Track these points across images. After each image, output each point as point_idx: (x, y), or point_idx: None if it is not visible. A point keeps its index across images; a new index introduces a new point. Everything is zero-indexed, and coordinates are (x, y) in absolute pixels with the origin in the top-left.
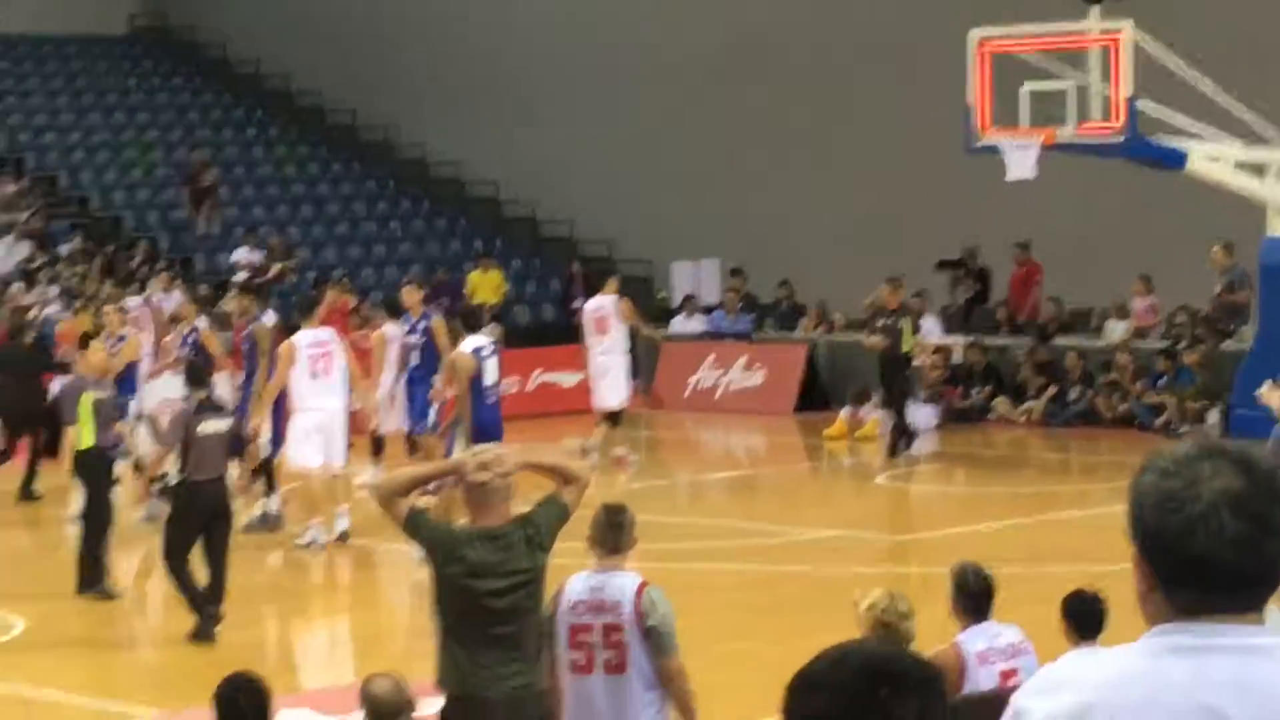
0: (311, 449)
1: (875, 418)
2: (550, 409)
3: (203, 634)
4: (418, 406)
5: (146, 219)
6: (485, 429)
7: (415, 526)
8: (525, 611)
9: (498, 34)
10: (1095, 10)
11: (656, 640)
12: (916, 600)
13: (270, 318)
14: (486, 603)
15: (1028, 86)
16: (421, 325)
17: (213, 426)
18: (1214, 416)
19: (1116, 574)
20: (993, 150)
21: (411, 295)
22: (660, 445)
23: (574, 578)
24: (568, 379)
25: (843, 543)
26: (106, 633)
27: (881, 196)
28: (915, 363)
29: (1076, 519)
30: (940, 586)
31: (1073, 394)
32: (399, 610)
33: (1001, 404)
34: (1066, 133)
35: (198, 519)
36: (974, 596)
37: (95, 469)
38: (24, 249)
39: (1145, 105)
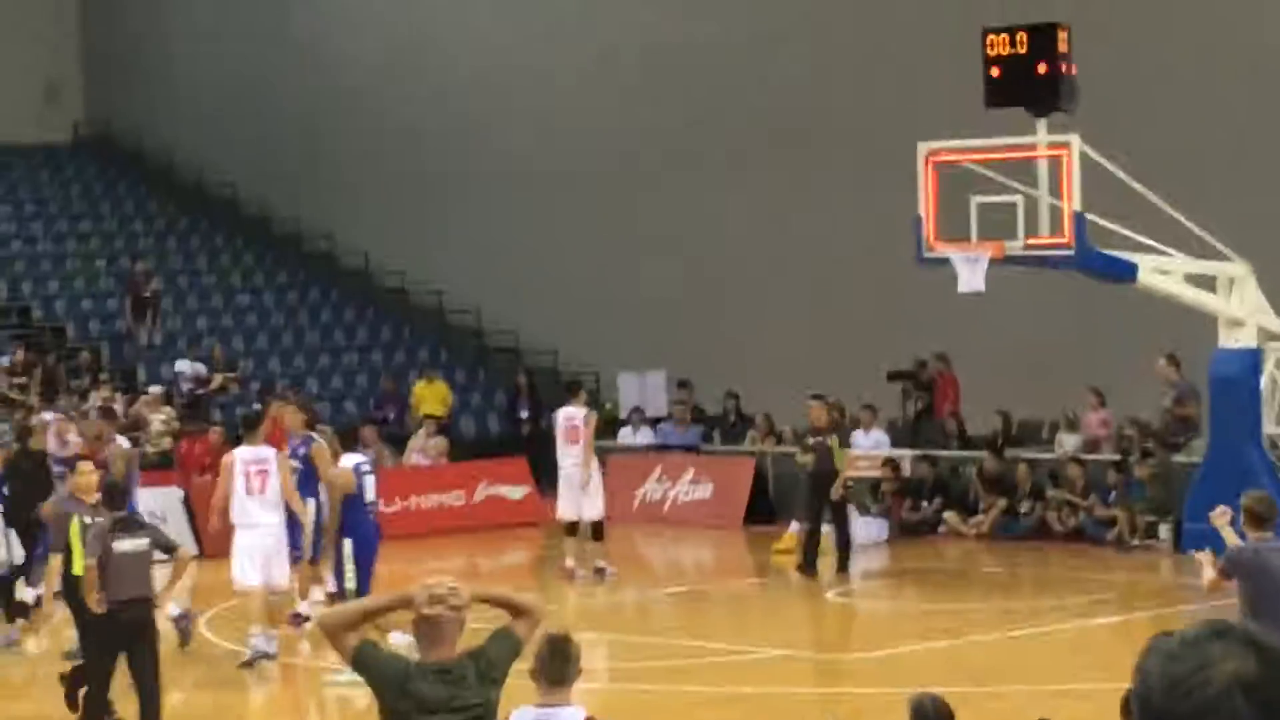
0: (252, 568)
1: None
2: (497, 521)
3: None
4: (296, 531)
5: (89, 329)
6: (367, 543)
7: (364, 662)
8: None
9: (441, 141)
10: (1043, 123)
11: None
12: None
13: (124, 443)
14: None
15: (976, 199)
16: (302, 450)
17: (130, 545)
18: (1165, 531)
19: (1067, 692)
20: (943, 262)
21: (294, 417)
22: (609, 559)
23: (518, 711)
24: (515, 491)
25: (793, 663)
26: None
27: (831, 306)
28: (846, 476)
29: (1030, 637)
30: (890, 709)
31: (1023, 507)
32: None
33: (952, 517)
34: (1015, 246)
35: (117, 644)
36: None
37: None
38: None
39: (1095, 218)
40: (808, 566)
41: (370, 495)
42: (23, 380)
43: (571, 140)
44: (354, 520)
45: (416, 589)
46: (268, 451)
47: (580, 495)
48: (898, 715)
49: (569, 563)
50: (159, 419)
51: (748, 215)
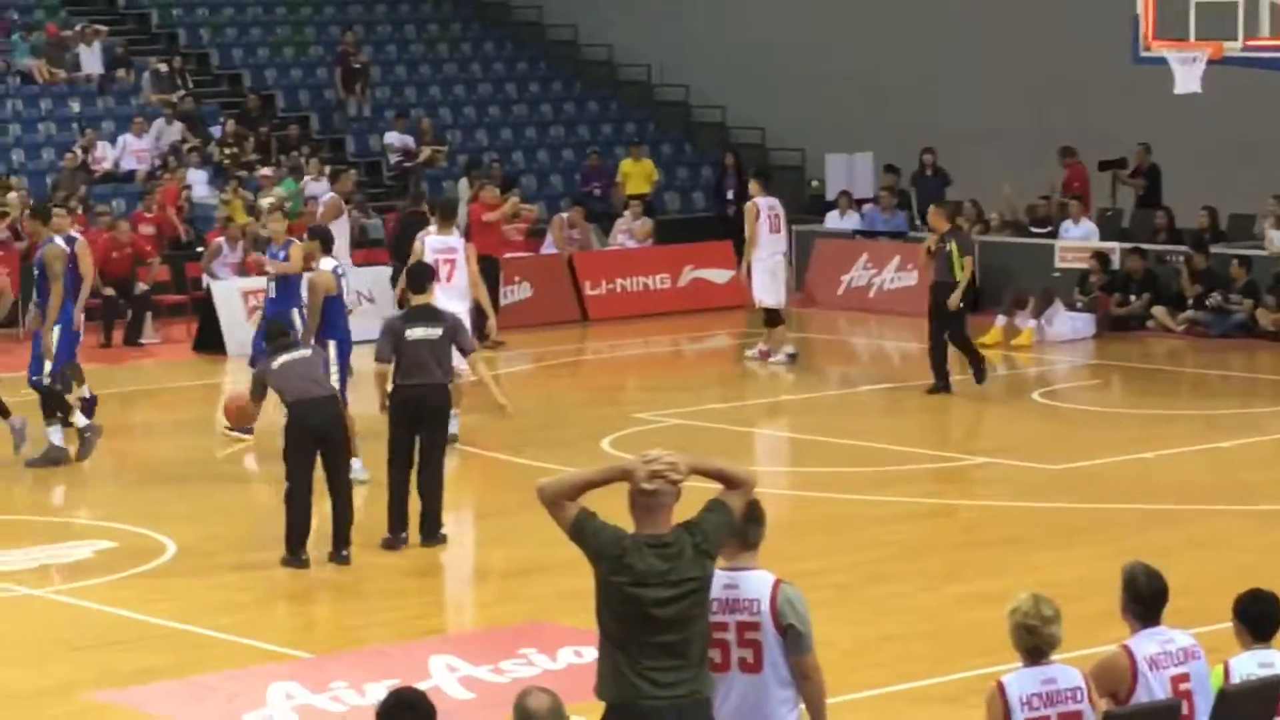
0: None
1: (1030, 327)
2: (701, 305)
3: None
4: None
5: (298, 98)
6: (345, 341)
7: (582, 532)
8: (692, 620)
9: None
10: None
11: (794, 638)
12: (1066, 541)
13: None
14: (653, 611)
15: None
16: (282, 255)
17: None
18: None
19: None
20: (1160, 61)
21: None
22: (812, 349)
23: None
24: (719, 275)
25: (996, 471)
26: (263, 560)
27: (1043, 98)
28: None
29: (1239, 449)
30: (1092, 521)
31: (1234, 304)
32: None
33: (1160, 312)
34: (1234, 46)
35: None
36: (1145, 600)
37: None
38: (175, 130)
39: None
40: (938, 380)
41: (348, 297)
42: (234, 150)
43: None
44: (334, 320)
45: (635, 462)
46: (456, 241)
47: (780, 283)
48: (1109, 532)
49: (763, 347)
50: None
51: (954, 8)
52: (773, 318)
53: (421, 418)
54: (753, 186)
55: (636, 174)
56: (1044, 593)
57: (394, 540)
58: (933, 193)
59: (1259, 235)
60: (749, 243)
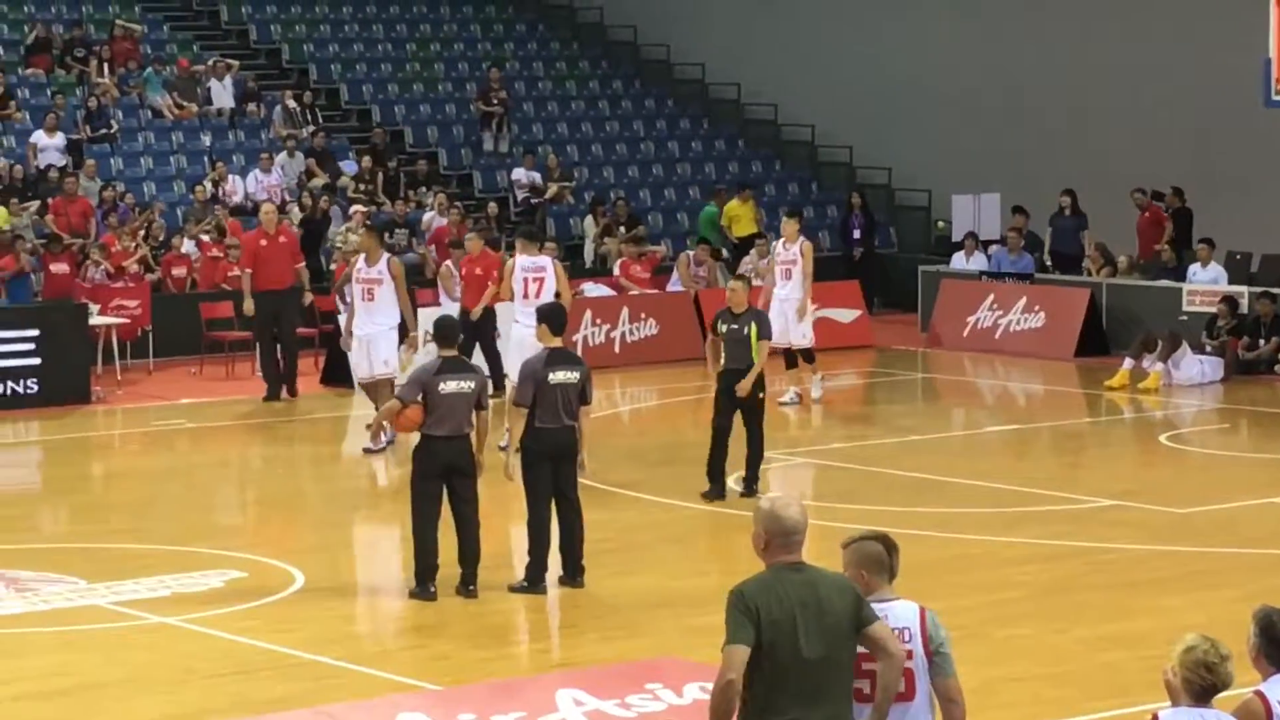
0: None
1: (1157, 370)
2: (827, 344)
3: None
4: None
5: (426, 135)
6: None
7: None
8: (840, 650)
9: None
10: None
11: (942, 661)
12: (1195, 585)
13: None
14: (795, 638)
15: None
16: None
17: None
18: None
19: None
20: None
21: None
22: (937, 390)
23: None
24: (846, 315)
25: (1125, 513)
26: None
27: (1175, 141)
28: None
29: None
30: (1220, 565)
31: None
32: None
33: None
34: None
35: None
36: (1278, 645)
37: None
38: (299, 163)
39: None
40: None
41: None
42: (368, 187)
43: None
44: None
45: None
46: (545, 260)
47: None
48: (1238, 576)
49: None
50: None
51: (1084, 42)
52: (809, 356)
53: (560, 457)
54: (794, 226)
55: (744, 215)
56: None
57: (539, 581)
58: (1069, 234)
59: None
60: (808, 279)
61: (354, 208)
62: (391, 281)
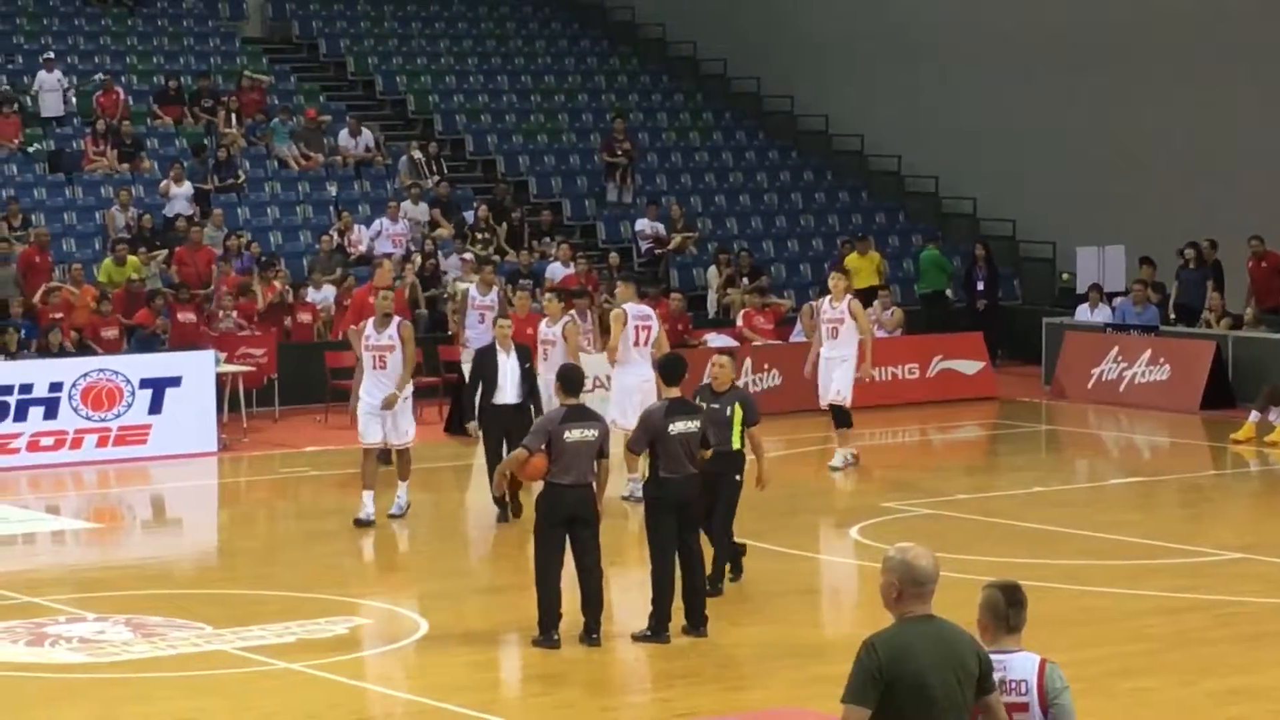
0: (630, 409)
1: (1252, 421)
2: (950, 396)
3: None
4: None
5: (550, 185)
6: None
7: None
8: (960, 706)
9: (902, 3)
10: None
11: (1058, 714)
12: None
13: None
14: (927, 693)
15: None
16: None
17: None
18: None
19: None
20: None
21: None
22: (1061, 442)
23: None
24: (969, 366)
25: (1252, 566)
26: (515, 639)
27: None
28: None
29: None
30: None
31: None
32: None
33: None
34: None
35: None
36: None
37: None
38: (423, 212)
39: None
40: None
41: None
42: (486, 235)
43: (1035, 12)
44: None
45: None
46: (649, 309)
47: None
48: None
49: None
50: None
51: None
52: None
53: (683, 506)
54: (842, 283)
55: (865, 268)
56: None
57: (663, 631)
58: (1193, 286)
59: None
60: (868, 337)
61: (463, 255)
62: (402, 347)
